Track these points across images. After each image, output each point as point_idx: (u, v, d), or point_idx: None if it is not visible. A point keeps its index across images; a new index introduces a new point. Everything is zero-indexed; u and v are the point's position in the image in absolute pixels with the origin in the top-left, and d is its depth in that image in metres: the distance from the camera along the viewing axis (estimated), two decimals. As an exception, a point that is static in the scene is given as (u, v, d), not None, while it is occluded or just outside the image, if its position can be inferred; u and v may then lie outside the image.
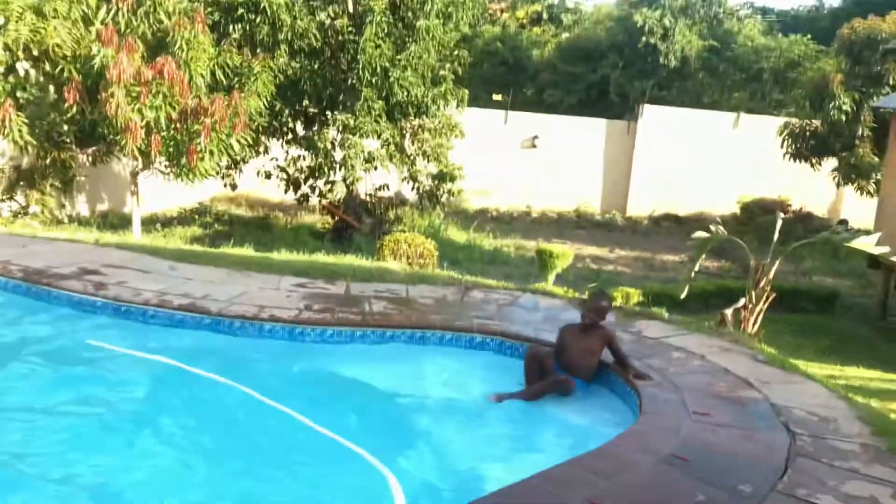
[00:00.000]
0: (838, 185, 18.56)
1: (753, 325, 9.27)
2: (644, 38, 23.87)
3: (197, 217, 16.84)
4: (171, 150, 11.05)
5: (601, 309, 6.39)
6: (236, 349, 6.62)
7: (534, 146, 21.93)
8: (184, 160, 10.94)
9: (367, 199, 15.72)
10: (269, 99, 12.53)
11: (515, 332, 7.08)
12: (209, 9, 12.81)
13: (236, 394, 5.82)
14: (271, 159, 15.09)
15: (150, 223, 14.66)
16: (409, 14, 13.90)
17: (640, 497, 4.30)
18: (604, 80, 24.90)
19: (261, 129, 13.25)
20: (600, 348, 6.31)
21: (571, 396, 6.13)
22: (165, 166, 11.77)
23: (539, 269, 13.23)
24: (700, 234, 9.62)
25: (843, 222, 19.14)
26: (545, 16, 29.82)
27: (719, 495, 4.37)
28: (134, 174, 12.36)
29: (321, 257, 9.56)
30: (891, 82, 16.70)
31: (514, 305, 8.01)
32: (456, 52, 15.24)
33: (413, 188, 15.47)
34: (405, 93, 13.85)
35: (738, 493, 4.40)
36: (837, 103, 16.80)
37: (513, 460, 5.18)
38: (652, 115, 21.94)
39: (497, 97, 24.25)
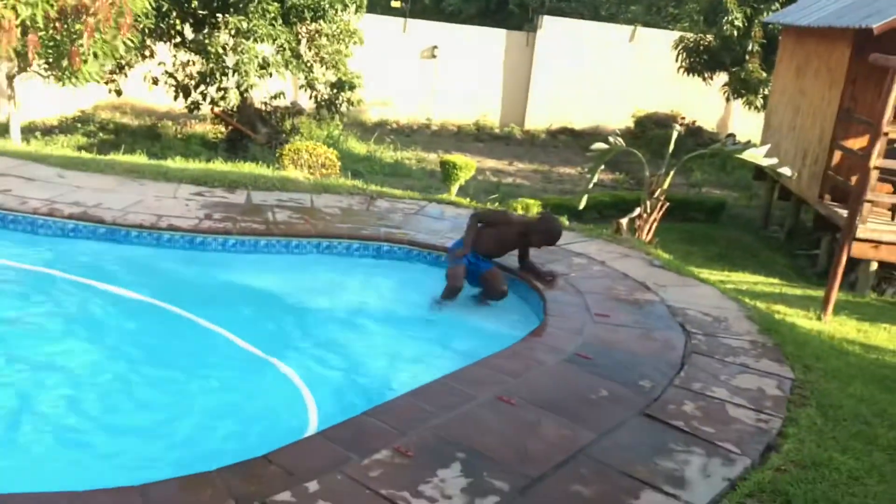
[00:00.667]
0: (728, 99, 19.15)
1: (648, 233, 9.60)
2: (544, -52, 23.62)
3: (80, 125, 15.92)
4: (50, 51, 10.30)
5: (555, 238, 6.36)
6: (134, 259, 6.38)
7: (433, 56, 21.61)
8: (66, 62, 10.23)
9: (263, 107, 15.20)
10: (155, -1, 11.79)
11: (423, 240, 7.09)
12: None
13: (139, 304, 5.64)
14: (159, 64, 14.31)
15: (28, 132, 13.76)
16: (305, -90, 13.24)
17: (546, 394, 4.45)
18: (503, -11, 24.62)
19: (147, 31, 12.51)
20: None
21: (480, 303, 6.24)
22: (45, 69, 10.99)
23: (443, 179, 13.23)
24: (599, 145, 9.78)
25: (731, 136, 19.78)
26: (444, -80, 28.98)
27: (621, 390, 4.58)
28: (10, 77, 11.50)
29: (219, 165, 9.25)
30: (780, -1, 17.18)
31: (420, 214, 8.01)
32: (354, -46, 14.67)
33: (311, 97, 15.03)
34: (301, -5, 13.29)
35: (638, 388, 4.62)
36: (730, 18, 17.17)
37: (422, 363, 5.25)
38: (550, 27, 21.88)
39: (396, 4, 23.64)
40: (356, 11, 14.69)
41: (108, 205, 7.00)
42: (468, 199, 9.40)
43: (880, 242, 10.04)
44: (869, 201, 9.96)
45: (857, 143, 11.15)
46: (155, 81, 14.46)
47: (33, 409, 4.33)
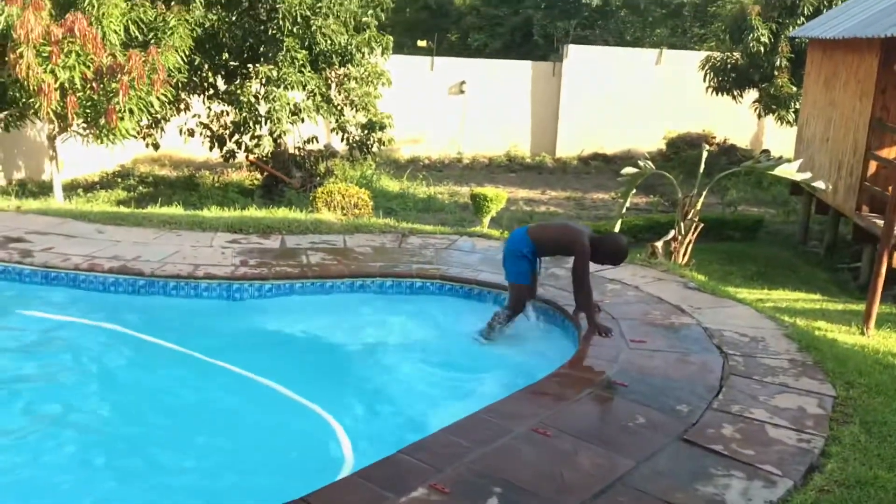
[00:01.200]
0: (759, 116, 19.01)
1: (684, 255, 9.53)
2: (565, -22, 23.86)
3: (120, 180, 16.35)
4: (88, 110, 10.67)
5: (620, 260, 6.10)
6: (173, 310, 6.52)
7: (462, 92, 21.84)
8: (103, 121, 10.57)
9: (296, 152, 15.47)
10: (187, 53, 12.15)
11: (454, 274, 7.14)
12: (118, -38, 12.29)
13: (178, 355, 5.76)
14: (193, 116, 14.69)
15: (71, 189, 14.18)
16: (328, -41, 13.57)
17: (582, 423, 4.44)
18: (527, 21, 24.83)
19: (181, 85, 12.86)
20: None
21: (516, 332, 6.23)
22: (84, 128, 11.36)
23: (474, 212, 13.30)
24: (629, 169, 9.78)
25: (766, 152, 19.67)
26: (466, -42, 29.46)
27: (658, 416, 4.54)
28: (51, 138, 11.90)
29: (253, 212, 9.42)
30: (805, 12, 17.07)
31: (451, 249, 8.07)
32: (378, -2, 14.97)
33: (342, 139, 15.28)
34: (328, 41, 13.59)
35: (676, 413, 4.58)
36: (756, 35, 17.11)
37: (457, 398, 5.27)
38: (576, 55, 22.01)
39: (422, 43, 23.99)
40: (382, 54, 14.96)
41: (147, 257, 7.18)
42: (500, 231, 9.44)
43: (923, 252, 9.83)
44: (908, 211, 9.78)
45: (891, 153, 11.00)
46: (191, 133, 14.84)
47: (85, 453, 4.44)
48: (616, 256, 6.04)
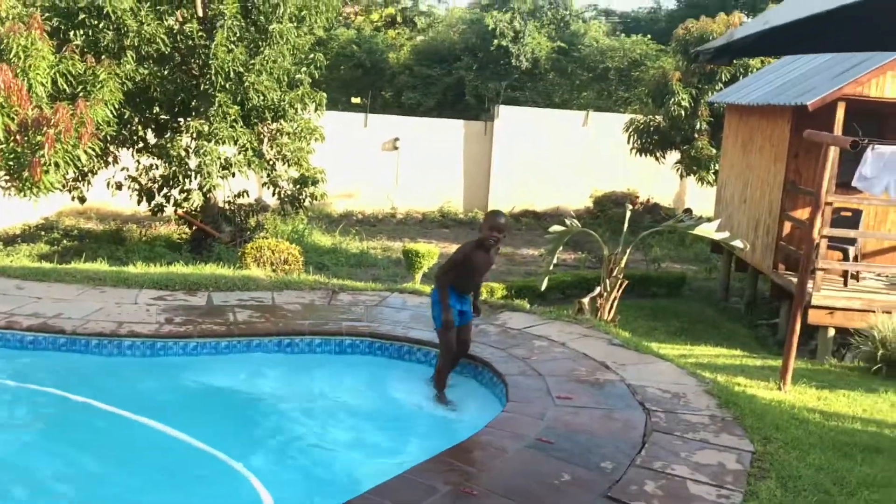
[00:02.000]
0: (681, 176, 19.73)
1: (609, 311, 9.73)
2: (496, 41, 24.50)
3: (44, 233, 15.94)
4: (11, 163, 10.41)
5: (502, 226, 6.21)
6: (95, 368, 6.35)
7: (395, 148, 22.09)
8: (26, 174, 10.33)
9: (226, 206, 15.35)
10: (116, 107, 12.02)
11: (384, 331, 7.15)
12: (47, 14, 12.17)
13: (99, 413, 5.60)
14: (122, 169, 14.48)
15: (-10, 242, 13.78)
16: (262, 18, 13.69)
17: (508, 481, 4.47)
18: (459, 81, 25.38)
19: (109, 138, 12.69)
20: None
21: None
22: (6, 181, 11.08)
23: (406, 268, 13.37)
24: (556, 227, 10.00)
25: (688, 211, 20.37)
26: (399, 19, 30.07)
27: (583, 473, 4.61)
28: (-30, 190, 11.57)
29: (180, 268, 9.28)
30: (723, 79, 17.91)
31: (382, 306, 8.09)
32: (311, 56, 15.12)
33: (274, 193, 15.25)
34: (261, 97, 13.64)
35: (601, 470, 4.66)
36: (677, 99, 17.86)
37: (385, 457, 5.25)
38: (507, 115, 22.56)
39: (356, 100, 24.27)
40: (316, 110, 15.08)
41: (68, 314, 7.00)
42: (432, 287, 9.50)
43: (835, 308, 10.29)
44: (820, 269, 10.24)
45: (804, 214, 11.52)
46: (118, 187, 14.59)
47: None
48: (492, 218, 6.20)
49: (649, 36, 26.39)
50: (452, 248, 17.94)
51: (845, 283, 11.10)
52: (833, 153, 7.80)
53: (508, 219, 6.38)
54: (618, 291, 9.74)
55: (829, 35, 3.80)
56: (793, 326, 7.76)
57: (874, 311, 9.79)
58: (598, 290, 9.90)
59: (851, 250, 11.21)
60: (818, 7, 2.63)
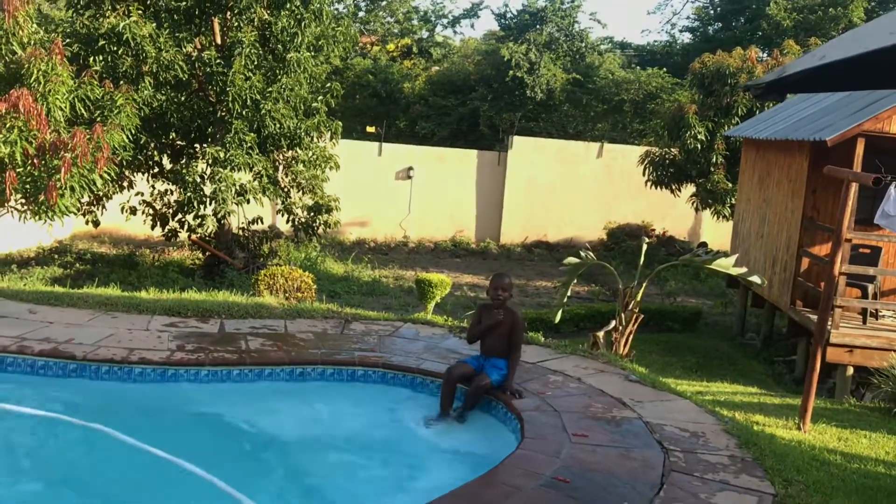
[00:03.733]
0: (697, 209, 19.61)
1: (624, 346, 9.60)
2: (511, 72, 24.60)
3: (57, 256, 15.98)
4: (28, 186, 10.44)
5: (505, 285, 6.43)
6: (105, 395, 6.28)
7: (409, 177, 22.13)
8: (42, 197, 10.35)
9: (240, 233, 15.36)
10: (133, 132, 12.09)
11: (397, 362, 7.06)
12: (68, 40, 12.29)
13: (108, 440, 5.52)
14: (136, 194, 14.53)
15: (4, 265, 13.80)
16: (280, 47, 13.79)
17: (525, 522, 4.36)
18: (474, 112, 25.47)
19: (125, 163, 12.75)
20: (509, 330, 6.42)
21: (460, 425, 6.17)
22: (22, 204, 11.11)
23: (419, 298, 13.28)
24: (571, 259, 9.91)
25: (703, 244, 20.24)
26: (415, 49, 30.27)
27: (601, 514, 4.49)
28: (-14, 213, 11.60)
29: (192, 294, 9.24)
30: (739, 113, 17.87)
31: (394, 336, 8.00)
32: (328, 85, 15.22)
33: (288, 220, 15.25)
34: (277, 125, 13.69)
35: (618, 511, 4.54)
36: (693, 132, 17.81)
37: (398, 492, 5.14)
38: (521, 146, 22.58)
39: (371, 129, 24.36)
40: (331, 138, 15.14)
41: (80, 340, 6.95)
42: (444, 317, 9.42)
43: (853, 347, 10.12)
44: (839, 306, 10.10)
45: (822, 250, 11.41)
46: (133, 211, 14.64)
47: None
48: (493, 280, 6.52)
49: (665, 69, 26.44)
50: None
51: (864, 321, 10.94)
52: (854, 189, 7.71)
53: (511, 279, 6.68)
54: (633, 325, 9.61)
55: (887, 71, 3.72)
56: (813, 364, 7.62)
57: (894, 350, 9.62)
58: (613, 323, 9.78)
59: (870, 288, 11.06)
60: (881, 42, 2.56)
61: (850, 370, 10.28)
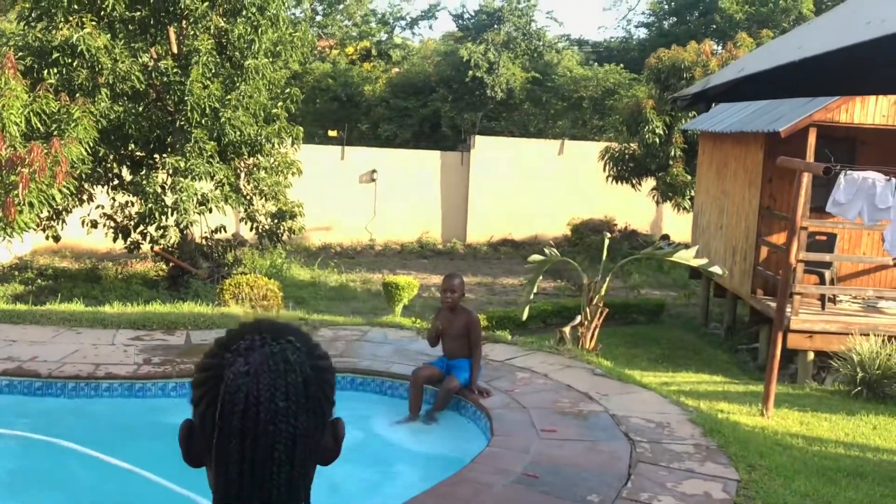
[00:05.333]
0: (657, 203, 19.86)
1: (591, 340, 9.72)
2: (471, 72, 24.69)
3: (17, 273, 15.73)
4: (-16, 204, 10.30)
5: (454, 286, 6.48)
6: (73, 412, 6.24)
7: (373, 180, 22.12)
8: (0, 214, 10.23)
9: (203, 242, 15.25)
10: (91, 145, 11.96)
11: (366, 367, 7.10)
12: (20, 53, 12.13)
13: (76, 455, 5.49)
14: (97, 207, 14.36)
15: (-38, 283, 13.58)
16: (237, 54, 13.71)
17: (496, 518, 4.42)
18: (435, 113, 25.52)
19: (84, 176, 12.59)
20: (466, 331, 6.47)
21: (430, 426, 6.23)
22: (-22, 221, 10.95)
23: (386, 301, 13.30)
24: (535, 257, 10.02)
25: (666, 237, 20.50)
26: (374, 52, 30.23)
27: (570, 508, 4.57)
28: (-59, 231, 11.41)
29: (157, 307, 9.18)
30: (695, 106, 18.11)
31: (363, 340, 8.04)
32: (287, 90, 15.16)
33: (251, 228, 15.18)
34: (237, 132, 13.61)
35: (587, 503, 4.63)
36: (651, 127, 18.04)
37: (370, 497, 5.18)
38: (483, 146, 22.70)
39: (332, 133, 24.31)
40: (293, 144, 15.08)
41: (44, 357, 6.89)
42: (413, 319, 9.47)
43: (813, 332, 10.36)
44: (797, 293, 10.33)
45: (780, 239, 11.62)
46: (94, 225, 14.47)
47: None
48: (444, 280, 6.65)
49: (622, 65, 26.72)
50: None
51: (822, 307, 11.20)
52: (806, 179, 7.91)
53: (462, 279, 6.77)
54: (599, 319, 9.74)
55: (803, 82, 3.86)
56: (773, 352, 7.80)
57: (852, 334, 9.86)
58: (578, 318, 9.90)
59: (827, 274, 11.31)
60: (790, 57, 2.66)
61: (811, 355, 10.50)
